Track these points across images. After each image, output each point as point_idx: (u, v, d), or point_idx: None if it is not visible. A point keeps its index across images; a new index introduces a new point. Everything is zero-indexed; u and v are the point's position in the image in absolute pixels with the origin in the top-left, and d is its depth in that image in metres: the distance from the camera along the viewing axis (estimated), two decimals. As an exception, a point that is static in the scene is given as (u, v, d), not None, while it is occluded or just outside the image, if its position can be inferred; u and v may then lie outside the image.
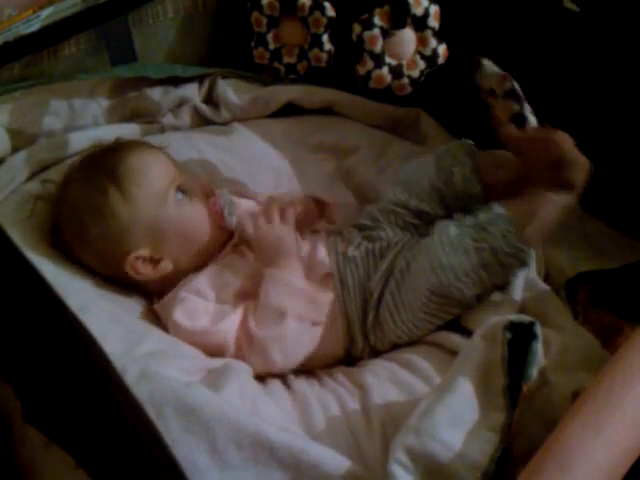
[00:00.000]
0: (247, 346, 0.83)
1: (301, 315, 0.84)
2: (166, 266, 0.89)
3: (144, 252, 0.87)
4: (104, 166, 0.88)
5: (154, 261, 0.88)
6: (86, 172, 0.90)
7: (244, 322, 0.84)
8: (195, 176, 1.00)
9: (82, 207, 0.87)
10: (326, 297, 0.87)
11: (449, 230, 0.84)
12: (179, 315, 0.85)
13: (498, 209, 0.83)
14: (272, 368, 0.84)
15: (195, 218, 0.90)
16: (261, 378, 0.83)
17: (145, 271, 0.88)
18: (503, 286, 0.87)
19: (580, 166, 0.81)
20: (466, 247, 0.82)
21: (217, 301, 0.87)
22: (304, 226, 0.96)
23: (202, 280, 0.88)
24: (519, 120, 0.86)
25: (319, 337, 0.86)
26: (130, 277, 0.88)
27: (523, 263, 0.83)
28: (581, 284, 0.93)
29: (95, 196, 0.87)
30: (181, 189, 0.90)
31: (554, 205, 0.82)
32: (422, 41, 0.89)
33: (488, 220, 0.83)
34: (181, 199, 0.90)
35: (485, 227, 0.82)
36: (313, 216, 0.98)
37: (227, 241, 0.93)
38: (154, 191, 0.88)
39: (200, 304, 0.86)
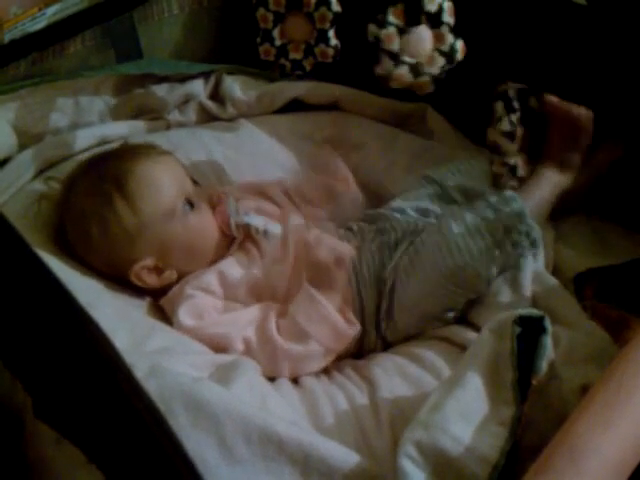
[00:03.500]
0: (260, 347, 0.83)
1: (323, 343, 0.83)
2: (170, 275, 0.89)
3: (149, 262, 0.87)
4: (111, 174, 0.87)
5: (159, 270, 0.88)
6: (93, 179, 0.88)
7: (262, 323, 0.84)
8: (202, 179, 1.00)
9: (88, 215, 0.87)
10: (352, 330, 0.85)
11: (461, 213, 0.87)
12: (184, 313, 0.85)
13: (508, 191, 0.89)
14: (272, 374, 0.83)
15: (202, 230, 0.90)
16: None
17: (150, 280, 0.88)
18: (513, 266, 0.89)
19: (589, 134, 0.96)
20: (479, 227, 0.84)
21: (225, 298, 0.88)
22: (323, 203, 1.01)
23: (210, 276, 0.88)
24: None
25: (331, 359, 0.86)
26: (134, 284, 0.88)
27: (533, 243, 0.87)
28: (588, 279, 0.93)
29: (102, 206, 0.86)
30: (188, 200, 0.90)
31: (554, 185, 0.97)
32: (439, 38, 0.88)
33: (500, 201, 0.86)
34: (188, 210, 0.89)
35: (498, 207, 0.86)
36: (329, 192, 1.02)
37: (231, 241, 0.93)
38: (162, 206, 0.87)
39: (208, 301, 0.87)
